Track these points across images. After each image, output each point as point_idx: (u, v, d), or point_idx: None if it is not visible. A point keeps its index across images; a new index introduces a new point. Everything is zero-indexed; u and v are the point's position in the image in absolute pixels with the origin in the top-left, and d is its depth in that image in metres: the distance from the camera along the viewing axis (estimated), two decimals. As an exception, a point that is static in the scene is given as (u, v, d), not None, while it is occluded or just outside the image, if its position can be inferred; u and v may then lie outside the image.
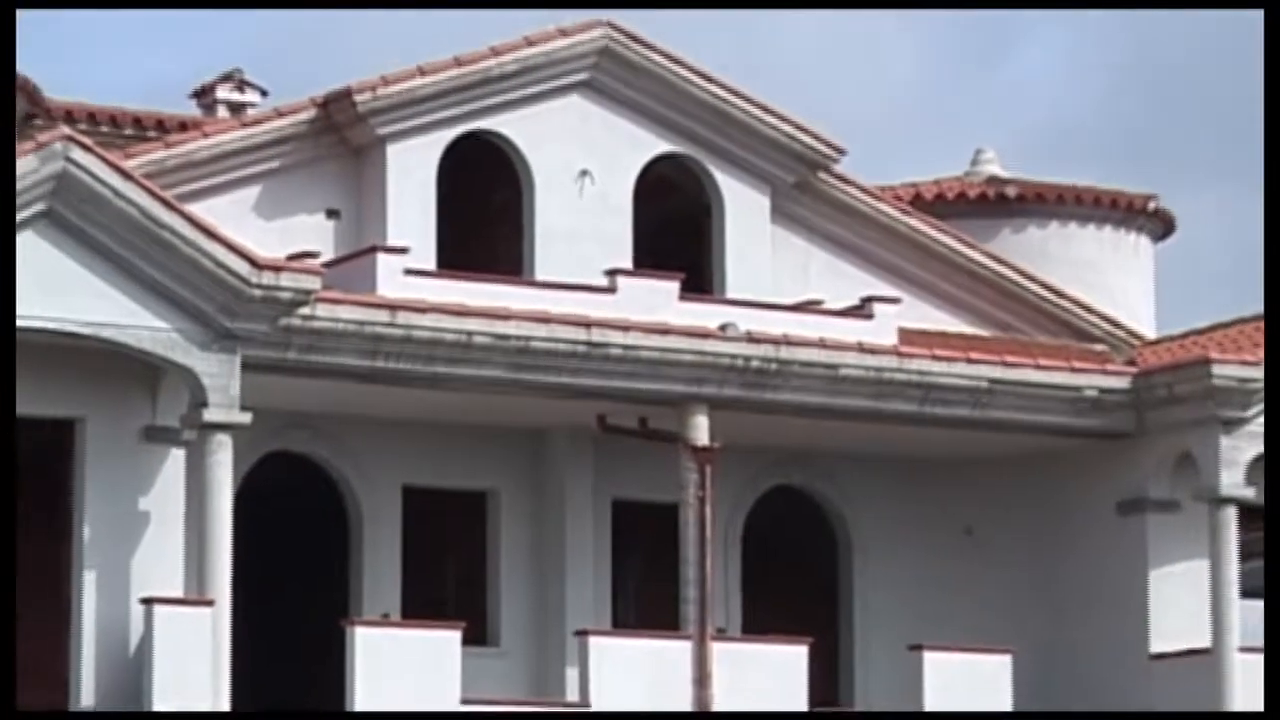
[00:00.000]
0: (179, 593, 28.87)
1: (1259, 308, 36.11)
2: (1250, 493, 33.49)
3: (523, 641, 33.04)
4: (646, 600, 33.19)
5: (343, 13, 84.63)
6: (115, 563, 29.09)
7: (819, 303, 34.19)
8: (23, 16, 30.82)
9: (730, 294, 33.89)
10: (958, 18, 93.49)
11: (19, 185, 28.04)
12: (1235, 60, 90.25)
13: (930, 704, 32.94)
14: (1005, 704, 33.25)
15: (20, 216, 28.06)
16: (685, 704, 31.60)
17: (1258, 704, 33.18)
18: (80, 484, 29.25)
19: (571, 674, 31.88)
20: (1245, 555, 34.14)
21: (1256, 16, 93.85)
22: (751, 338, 32.46)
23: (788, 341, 32.67)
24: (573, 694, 31.48)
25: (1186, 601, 33.82)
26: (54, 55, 74.80)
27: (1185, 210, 40.08)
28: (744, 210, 34.60)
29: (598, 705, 30.65)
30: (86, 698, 28.67)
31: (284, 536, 31.47)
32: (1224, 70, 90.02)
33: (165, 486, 29.34)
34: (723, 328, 32.48)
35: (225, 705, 28.42)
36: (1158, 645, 33.88)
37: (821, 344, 32.92)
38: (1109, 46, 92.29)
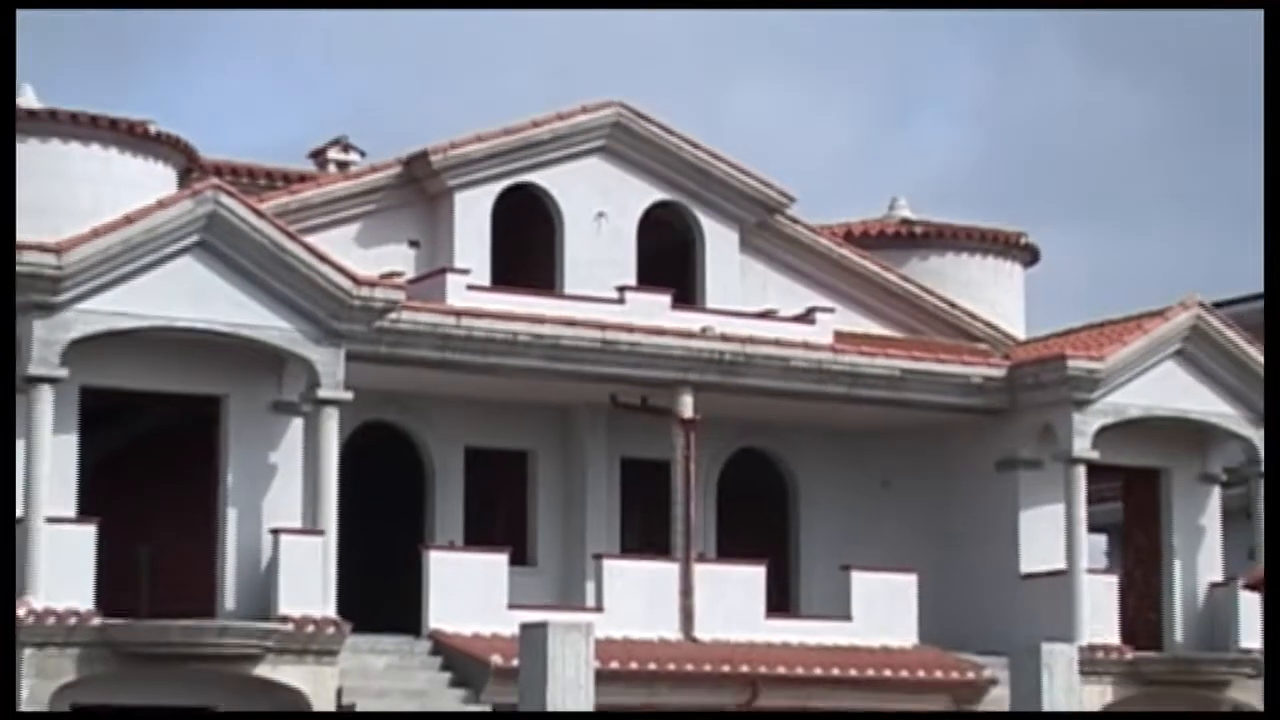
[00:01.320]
0: (298, 525, 28.97)
1: (1104, 316, 36.20)
2: (1095, 455, 33.55)
3: (554, 563, 33.11)
4: (646, 532, 33.17)
5: (424, 88, 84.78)
6: (250, 503, 29.18)
7: (775, 312, 34.18)
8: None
9: (709, 305, 33.84)
10: (876, 93, 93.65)
11: (179, 222, 28.22)
12: (1091, 126, 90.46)
13: (856, 612, 33.00)
14: (912, 612, 33.36)
15: (180, 245, 28.28)
16: (674, 611, 31.75)
17: (1101, 614, 33.39)
18: (225, 444, 29.31)
19: (590, 587, 32.07)
20: (1091, 501, 34.25)
21: (1103, 86, 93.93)
22: (724, 337, 32.55)
23: (751, 340, 32.74)
24: (591, 602, 31.58)
25: (1047, 535, 33.85)
26: (206, 123, 74.83)
27: (1047, 243, 40.16)
28: (719, 243, 34.57)
29: (610, 611, 30.71)
30: (229, 604, 28.76)
31: (376, 484, 31.55)
32: (1080, 134, 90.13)
33: (288, 446, 29.42)
34: (703, 330, 32.56)
35: (332, 610, 28.51)
36: (1026, 568, 33.95)
37: (776, 342, 32.98)
38: (989, 116, 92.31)
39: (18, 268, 27.14)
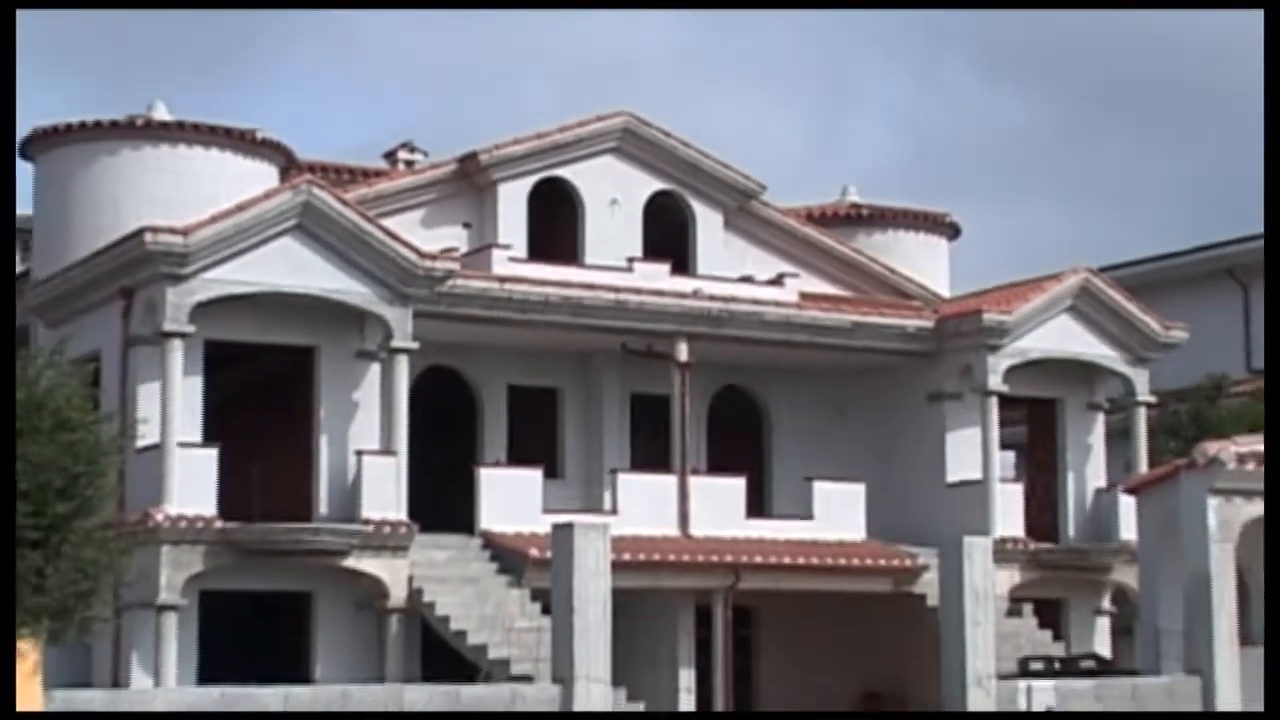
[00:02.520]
0: (376, 447, 29.04)
1: (1011, 279, 36.28)
2: (1005, 388, 33.55)
3: (579, 476, 33.11)
4: (650, 451, 33.14)
5: (472, 101, 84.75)
6: (339, 430, 29.30)
7: (751, 277, 34.10)
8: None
9: (700, 272, 33.75)
10: (829, 103, 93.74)
11: (280, 209, 28.31)
12: (988, 124, 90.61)
13: (817, 513, 33.06)
14: (861, 513, 33.39)
15: (281, 227, 28.46)
16: (673, 513, 31.77)
17: (1009, 514, 33.47)
18: (318, 384, 29.40)
19: (607, 495, 32.10)
20: (1002, 425, 34.24)
21: (995, 93, 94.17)
22: (712, 297, 32.57)
23: (733, 299, 32.75)
24: (607, 507, 31.50)
25: (967, 453, 33.83)
26: (301, 129, 75.06)
27: (966, 221, 40.23)
28: (707, 223, 34.46)
29: (622, 514, 30.65)
30: (322, 509, 28.86)
31: (437, 415, 31.52)
32: (981, 132, 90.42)
33: (368, 386, 29.46)
34: (695, 291, 32.59)
35: (404, 514, 28.59)
36: (951, 478, 34.03)
37: (753, 301, 33.02)
38: (914, 119, 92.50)
39: (155, 247, 27.33)
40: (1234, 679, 25.77)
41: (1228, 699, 25.61)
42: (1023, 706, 24.66)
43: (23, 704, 18.10)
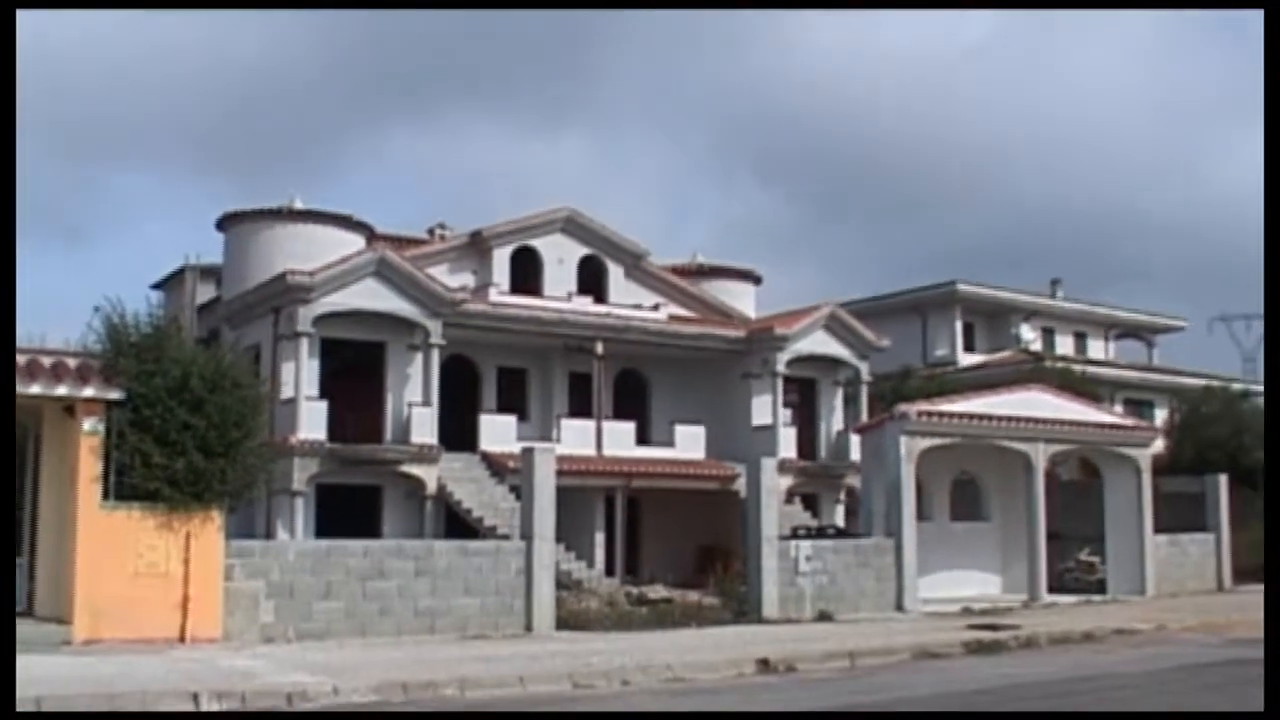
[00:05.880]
0: (420, 401, 29.12)
1: (788, 308, 36.59)
2: (787, 372, 33.95)
3: (539, 420, 33.10)
4: (581, 405, 33.32)
5: (480, 197, 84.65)
6: (398, 391, 29.39)
7: (640, 305, 34.32)
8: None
9: (611, 302, 33.95)
10: (679, 202, 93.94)
11: (365, 262, 28.20)
12: (759, 218, 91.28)
13: (678, 443, 33.10)
14: (702, 443, 33.52)
15: (366, 272, 28.44)
16: (593, 442, 31.79)
17: (787, 443, 33.56)
18: (386, 364, 29.45)
19: (555, 431, 32.01)
20: (785, 393, 34.52)
21: (768, 193, 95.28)
22: (617, 318, 32.82)
23: (629, 319, 33.04)
24: (555, 438, 31.31)
25: (764, 409, 34.28)
26: (377, 212, 74.78)
27: (765, 274, 40.59)
28: (615, 274, 34.55)
29: (564, 442, 30.56)
30: (389, 436, 28.90)
31: (455, 384, 31.59)
32: (759, 222, 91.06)
33: (415, 366, 29.51)
34: (607, 314, 32.78)
35: (435, 440, 28.71)
36: (755, 423, 34.06)
37: (642, 320, 33.30)
38: (725, 211, 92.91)
39: (293, 283, 27.32)
40: (913, 539, 26.31)
41: (908, 550, 26.15)
42: (793, 556, 24.93)
43: (210, 551, 18.12)
